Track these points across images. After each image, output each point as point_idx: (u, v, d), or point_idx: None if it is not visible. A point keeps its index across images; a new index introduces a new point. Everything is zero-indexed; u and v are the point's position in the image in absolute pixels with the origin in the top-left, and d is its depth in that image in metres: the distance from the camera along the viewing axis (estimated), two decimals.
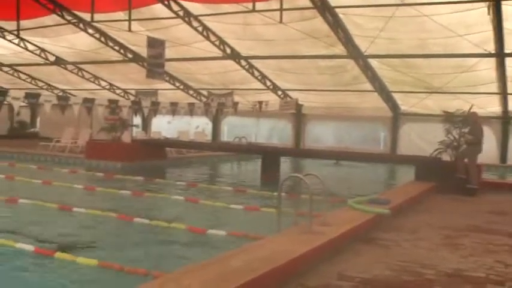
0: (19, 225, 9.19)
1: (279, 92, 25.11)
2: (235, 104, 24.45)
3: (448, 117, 13.63)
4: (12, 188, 13.69)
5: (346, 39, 17.65)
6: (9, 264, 6.85)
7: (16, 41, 22.23)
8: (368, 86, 21.73)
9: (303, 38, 17.64)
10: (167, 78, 24.47)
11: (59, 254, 7.17)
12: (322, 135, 27.35)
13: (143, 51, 20.13)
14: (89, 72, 26.41)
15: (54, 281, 6.33)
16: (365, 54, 18.36)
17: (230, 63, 21.67)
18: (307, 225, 6.83)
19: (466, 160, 12.89)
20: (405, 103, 24.03)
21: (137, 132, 26.97)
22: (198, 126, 28.71)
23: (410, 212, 9.79)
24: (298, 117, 27.46)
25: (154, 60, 19.69)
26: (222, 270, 4.91)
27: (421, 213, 9.89)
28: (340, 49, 18.27)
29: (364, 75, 20.57)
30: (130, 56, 22.44)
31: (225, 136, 29.66)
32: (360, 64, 19.62)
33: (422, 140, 22.74)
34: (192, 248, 8.06)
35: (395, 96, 23.61)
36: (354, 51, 18.35)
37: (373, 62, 19.73)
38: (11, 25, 19.91)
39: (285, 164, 19.88)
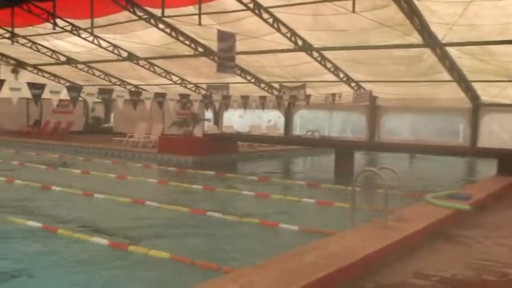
0: (94, 219, 9.54)
1: (352, 84, 24.80)
2: (308, 96, 24.33)
3: None
4: (88, 182, 14.20)
5: (422, 27, 17.19)
6: (86, 259, 7.10)
7: (90, 38, 22.98)
8: (445, 75, 21.09)
9: (376, 28, 17.31)
10: (238, 72, 24.63)
11: (132, 248, 7.39)
12: (397, 127, 26.82)
13: (214, 45, 20.33)
14: (160, 67, 26.95)
15: (128, 275, 6.52)
16: (442, 42, 17.82)
17: (302, 55, 21.55)
18: (382, 221, 6.72)
19: None
20: (486, 93, 23.16)
21: (209, 127, 27.33)
22: (270, 120, 28.79)
23: (492, 208, 9.46)
24: (372, 109, 27.03)
25: (224, 54, 19.84)
26: (294, 266, 4.91)
27: (504, 210, 9.54)
28: (415, 38, 17.82)
29: (441, 64, 19.97)
30: (201, 50, 22.73)
31: (297, 130, 29.58)
32: (436, 53, 19.06)
33: (505, 132, 21.89)
34: (263, 243, 8.10)
35: (475, 86, 22.79)
36: (430, 40, 17.85)
37: (451, 51, 19.11)
38: (85, 23, 20.59)
39: (359, 158, 19.66)
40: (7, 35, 23.48)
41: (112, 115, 35.41)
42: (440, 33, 17.26)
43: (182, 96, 20.53)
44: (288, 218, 9.46)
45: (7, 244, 7.80)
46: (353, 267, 5.14)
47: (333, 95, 23.90)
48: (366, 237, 6.09)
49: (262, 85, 27.39)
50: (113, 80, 30.27)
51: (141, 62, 26.24)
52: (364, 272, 5.29)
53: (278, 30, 19.13)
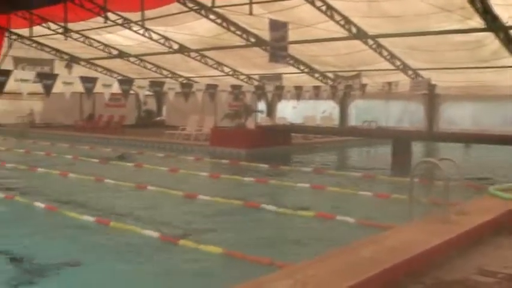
0: (146, 212, 9.70)
1: (410, 72, 24.34)
2: (363, 86, 24.03)
3: None
4: (141, 175, 14.43)
5: (484, 10, 16.67)
6: (136, 252, 7.21)
7: (141, 31, 23.31)
8: (510, 61, 20.43)
9: (434, 12, 16.91)
10: (291, 62, 24.54)
11: (183, 242, 7.45)
12: (457, 117, 26.18)
13: (266, 35, 20.29)
14: (212, 59, 27.11)
15: (178, 269, 6.57)
16: (507, 25, 17.27)
17: (356, 43, 21.27)
18: (442, 214, 6.55)
19: None
20: None
21: (262, 118, 27.35)
22: (324, 110, 28.60)
23: None
24: (431, 98, 26.47)
25: (277, 44, 19.78)
26: (351, 261, 4.84)
27: None
28: (477, 22, 17.30)
29: (505, 49, 19.35)
30: (252, 40, 22.72)
31: (353, 120, 29.28)
32: (500, 37, 18.47)
33: None
34: (318, 237, 8.04)
35: None
36: (493, 23, 17.30)
37: None
38: (136, 16, 20.89)
39: (417, 148, 19.31)
40: (60, 30, 24.08)
41: (164, 108, 35.88)
42: (505, 15, 16.70)
43: (234, 87, 20.60)
44: (344, 211, 9.36)
45: (60, 236, 8.00)
46: (412, 262, 5.03)
47: (390, 83, 23.53)
48: (425, 231, 5.94)
49: (316, 75, 27.21)
50: (165, 72, 30.65)
51: (193, 54, 26.45)
52: (424, 267, 5.16)
53: (331, 18, 18.93)
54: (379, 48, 21.68)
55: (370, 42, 21.16)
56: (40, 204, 9.82)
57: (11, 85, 13.45)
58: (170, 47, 25.36)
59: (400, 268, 4.83)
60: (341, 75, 25.62)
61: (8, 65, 25.27)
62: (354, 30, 19.91)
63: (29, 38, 26.31)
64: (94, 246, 7.50)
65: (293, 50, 22.43)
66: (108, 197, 11.28)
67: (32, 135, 27.37)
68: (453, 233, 5.93)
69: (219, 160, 17.47)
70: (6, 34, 26.71)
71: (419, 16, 17.54)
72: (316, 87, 23.29)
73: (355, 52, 22.24)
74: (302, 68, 26.18)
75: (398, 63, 23.24)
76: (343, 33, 20.01)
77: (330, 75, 26.90)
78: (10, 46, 27.12)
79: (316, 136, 23.54)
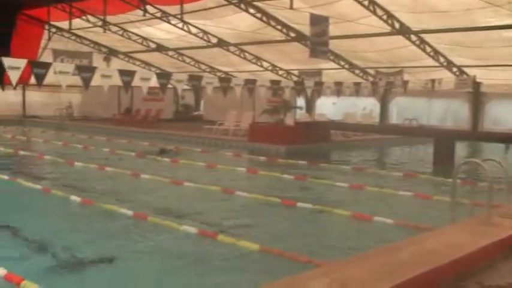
0: (183, 208, 9.80)
1: (454, 69, 23.97)
2: (405, 83, 23.75)
3: None
4: (177, 170, 14.56)
5: None
6: (175, 248, 7.29)
7: (180, 25, 23.49)
8: None
9: (482, 7, 16.63)
10: (331, 57, 24.42)
11: (221, 237, 7.50)
12: (503, 116, 25.69)
13: (306, 30, 20.24)
14: (251, 53, 27.16)
15: (216, 265, 6.63)
16: None
17: (399, 39, 21.04)
18: (485, 217, 6.45)
19: None
20: None
21: (301, 115, 27.28)
22: (364, 107, 28.40)
23: None
24: (476, 96, 26.03)
25: (317, 39, 19.70)
26: (389, 262, 4.81)
27: None
28: None
29: None
30: (292, 35, 22.69)
31: (394, 118, 28.99)
32: None
33: None
34: (356, 236, 8.01)
35: None
36: None
37: None
38: (175, 9, 21.07)
39: (461, 148, 19.03)
40: (99, 23, 24.46)
41: (202, 103, 36.09)
42: None
43: (273, 82, 20.59)
44: (382, 211, 9.29)
45: (96, 230, 8.13)
46: (453, 265, 4.97)
47: (433, 81, 23.21)
48: (467, 234, 5.86)
49: (357, 71, 27.03)
50: (203, 66, 30.84)
51: (231, 48, 26.54)
52: (466, 271, 5.09)
53: (374, 12, 18.77)
54: (422, 44, 21.41)
55: (414, 38, 20.91)
56: (76, 198, 10.00)
57: (50, 77, 13.72)
58: (209, 41, 25.50)
59: (440, 271, 4.78)
60: (382, 72, 25.39)
61: (47, 57, 25.81)
62: (396, 25, 19.71)
63: (68, 31, 26.81)
64: (131, 240, 7.61)
65: (333, 45, 22.32)
66: (144, 192, 11.42)
67: (70, 127, 27.86)
68: (497, 236, 5.84)
69: (257, 156, 17.50)
70: (46, 27, 27.29)
71: (466, 11, 17.26)
72: (357, 84, 23.10)
73: (397, 48, 22.02)
74: (342, 63, 26.04)
75: (442, 59, 22.91)
76: (385, 28, 19.82)
77: (371, 71, 26.69)
78: (50, 39, 27.71)
79: (356, 134, 23.39)
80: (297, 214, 9.41)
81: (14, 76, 12.57)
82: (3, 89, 30.09)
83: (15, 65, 12.56)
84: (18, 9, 25.09)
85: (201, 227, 8.07)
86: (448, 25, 18.72)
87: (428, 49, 21.84)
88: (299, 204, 9.77)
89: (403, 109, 28.23)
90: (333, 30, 19.63)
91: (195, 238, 7.64)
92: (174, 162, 15.85)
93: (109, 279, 6.11)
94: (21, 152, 17.41)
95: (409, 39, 20.87)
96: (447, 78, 23.54)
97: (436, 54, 22.36)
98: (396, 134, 22.37)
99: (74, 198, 10.00)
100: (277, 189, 11.81)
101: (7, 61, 12.47)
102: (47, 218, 8.86)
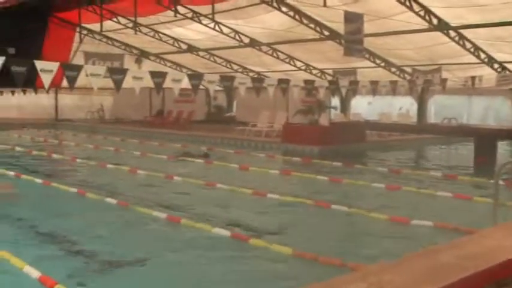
0: (215, 210, 9.84)
1: (496, 66, 23.59)
2: (444, 80, 23.45)
3: None
4: (209, 172, 14.62)
5: None
6: (206, 250, 7.31)
7: (211, 25, 23.57)
8: None
9: None
10: (366, 56, 24.22)
11: (253, 240, 7.50)
12: None
13: (340, 28, 20.10)
14: (283, 53, 27.11)
15: (247, 268, 6.62)
16: None
17: (437, 35, 20.75)
18: None
19: None
20: None
21: (335, 115, 27.17)
22: (401, 107, 28.14)
23: None
24: None
25: (352, 37, 19.57)
26: (428, 267, 4.71)
27: None
28: None
29: None
30: (326, 33, 22.56)
31: (432, 117, 28.67)
32: None
33: None
34: (393, 240, 7.93)
35: None
36: None
37: None
38: (206, 9, 21.17)
39: (503, 148, 18.72)
40: (130, 24, 24.72)
41: (234, 104, 36.17)
42: None
43: (307, 82, 20.53)
44: (420, 213, 9.18)
45: (129, 232, 8.21)
46: (497, 270, 4.85)
47: (473, 78, 22.85)
48: (511, 237, 5.74)
49: (393, 69, 26.77)
50: (235, 67, 30.90)
51: (264, 48, 26.54)
52: (510, 276, 4.98)
53: (410, 8, 18.57)
54: (462, 40, 21.09)
55: (452, 34, 20.61)
56: (112, 200, 10.12)
57: (82, 80, 13.90)
58: (241, 41, 25.54)
59: (483, 276, 4.68)
60: (419, 70, 25.10)
61: (79, 59, 26.19)
62: (434, 21, 19.45)
63: (100, 33, 27.16)
64: (165, 243, 7.70)
65: (369, 43, 22.13)
66: (177, 195, 11.50)
67: (102, 130, 28.21)
68: None
69: (291, 157, 17.48)
70: (77, 29, 27.67)
71: (505, 4, 16.96)
72: (393, 82, 22.88)
73: (435, 45, 21.73)
74: (378, 62, 25.82)
75: (483, 56, 22.54)
76: (422, 24, 19.58)
77: (408, 69, 26.40)
78: (81, 41, 28.08)
79: (392, 134, 23.19)
80: (332, 217, 9.35)
81: (46, 79, 12.79)
82: (36, 93, 30.86)
83: (47, 68, 12.77)
84: (50, 13, 25.54)
85: (234, 230, 8.08)
86: (488, 20, 18.42)
87: (468, 45, 21.51)
88: (333, 206, 9.72)
89: (442, 108, 27.91)
90: (367, 27, 19.48)
91: (228, 241, 7.65)
92: (208, 164, 15.93)
93: (142, 281, 6.17)
94: (54, 155, 17.69)
95: (447, 35, 20.57)
96: (488, 75, 23.16)
97: (476, 50, 22.02)
98: (434, 133, 22.11)
99: (109, 200, 10.15)
100: (311, 191, 11.78)
101: (40, 64, 12.69)
102: (81, 219, 8.99)
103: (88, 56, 26.99)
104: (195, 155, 17.70)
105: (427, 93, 26.93)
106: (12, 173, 13.47)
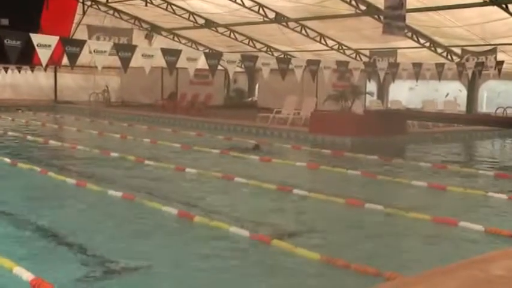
0: (233, 207, 9.86)
1: None
2: (499, 63, 23.21)
3: None
4: (227, 164, 14.59)
5: None
6: (225, 250, 7.28)
7: None
8: None
9: None
10: (409, 34, 24.06)
11: (275, 242, 7.45)
12: None
13: (379, 2, 20.00)
14: (313, 30, 27.02)
15: (269, 275, 6.58)
16: None
17: (492, 10, 20.46)
18: None
19: None
20: None
21: (371, 102, 27.03)
22: (448, 93, 27.93)
23: None
24: None
25: (392, 12, 19.44)
26: (478, 279, 4.63)
27: None
28: None
29: None
30: (363, 8, 22.43)
31: (484, 106, 28.41)
32: None
33: None
34: (436, 245, 7.85)
35: None
36: None
37: None
38: None
39: None
40: None
41: (257, 87, 36.15)
42: None
43: (340, 64, 20.42)
44: (469, 216, 9.06)
45: (136, 229, 8.22)
46: None
47: None
48: None
49: (439, 50, 26.56)
50: (258, 45, 30.88)
51: (291, 24, 26.47)
52: None
53: None
54: None
55: None
56: (117, 193, 10.13)
57: (84, 58, 13.96)
58: (265, 16, 25.48)
59: None
60: (471, 51, 24.87)
61: (81, 34, 26.31)
62: None
63: (106, 4, 27.27)
64: (181, 241, 7.76)
65: (412, 19, 21.96)
66: (190, 188, 11.53)
67: (107, 114, 28.32)
68: None
69: (320, 149, 17.42)
70: (80, 0, 27.76)
71: None
72: (439, 65, 22.66)
73: (490, 21, 21.47)
74: (422, 41, 25.63)
75: None
76: None
77: (457, 50, 26.16)
78: (84, 13, 28.19)
79: (437, 124, 23.01)
80: (365, 217, 9.29)
81: (44, 56, 12.84)
82: (32, 71, 31.10)
83: (45, 43, 12.82)
84: None
85: (252, 229, 8.04)
86: None
87: None
88: (367, 205, 9.64)
89: (496, 95, 27.66)
90: (410, 1, 19.31)
91: (246, 241, 7.62)
92: (224, 154, 15.92)
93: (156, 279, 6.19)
94: (52, 142, 17.79)
95: (506, 10, 20.18)
96: None
97: None
98: (487, 125, 21.88)
99: (112, 192, 10.18)
100: (341, 187, 11.75)
101: (36, 38, 12.73)
102: (82, 214, 9.03)
103: (92, 30, 27.18)
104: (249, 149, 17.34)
105: (478, 77, 26.65)
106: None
